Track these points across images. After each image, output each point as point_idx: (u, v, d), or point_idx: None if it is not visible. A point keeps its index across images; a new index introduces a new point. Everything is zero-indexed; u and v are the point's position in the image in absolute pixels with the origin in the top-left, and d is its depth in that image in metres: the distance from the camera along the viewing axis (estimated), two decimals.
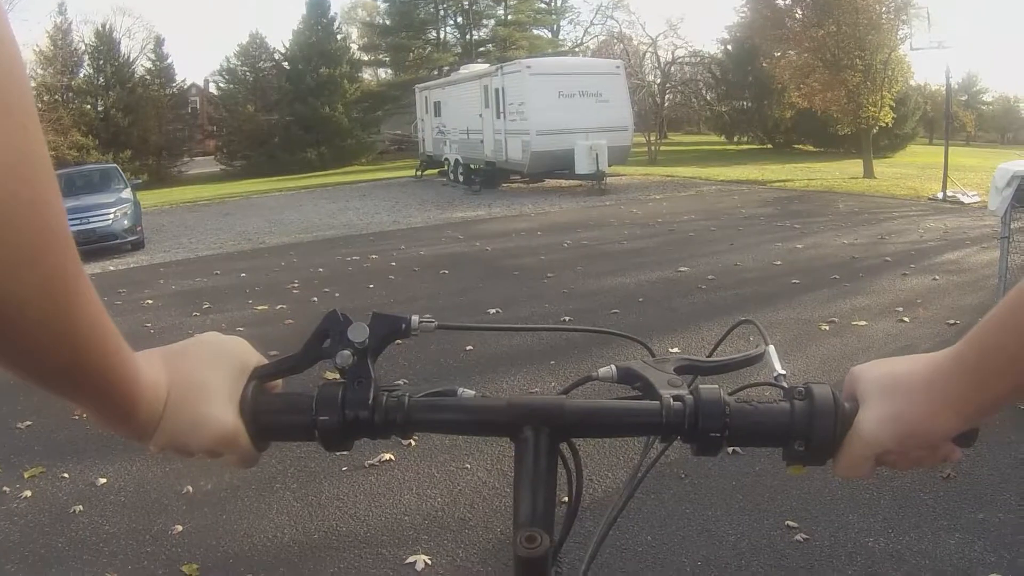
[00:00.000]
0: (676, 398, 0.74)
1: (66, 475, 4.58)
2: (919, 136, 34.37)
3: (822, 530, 3.51)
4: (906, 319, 6.69)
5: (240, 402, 0.74)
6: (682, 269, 9.33)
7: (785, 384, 0.80)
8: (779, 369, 0.84)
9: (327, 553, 3.58)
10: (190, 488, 4.27)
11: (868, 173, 20.11)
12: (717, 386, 0.75)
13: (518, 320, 7.32)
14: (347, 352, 0.76)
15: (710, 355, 0.93)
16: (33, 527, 3.99)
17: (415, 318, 0.79)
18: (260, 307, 8.48)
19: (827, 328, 6.53)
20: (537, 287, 8.88)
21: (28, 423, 5.40)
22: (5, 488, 4.44)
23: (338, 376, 0.77)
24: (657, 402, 0.75)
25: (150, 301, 9.20)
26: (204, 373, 0.72)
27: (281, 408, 0.77)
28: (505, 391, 5.32)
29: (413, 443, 4.60)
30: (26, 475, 4.59)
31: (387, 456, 4.45)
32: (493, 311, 7.65)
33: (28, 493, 4.37)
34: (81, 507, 4.16)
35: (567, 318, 7.23)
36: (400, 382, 5.60)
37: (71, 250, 0.47)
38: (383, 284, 9.54)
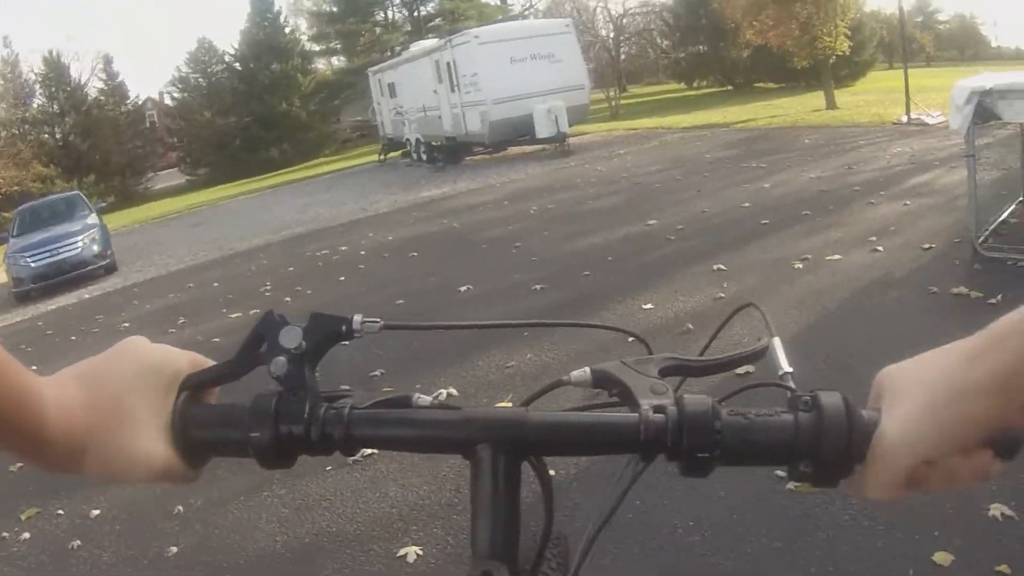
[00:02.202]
0: (657, 409, 0.64)
1: (61, 512, 4.62)
2: (878, 62, 34.25)
3: None
4: (880, 248, 6.71)
5: (171, 418, 0.67)
6: (650, 223, 9.36)
7: (792, 384, 0.70)
8: (785, 366, 0.73)
9: (320, 555, 3.65)
10: (180, 508, 4.32)
11: (830, 104, 20.03)
12: (706, 396, 0.65)
13: (490, 297, 7.37)
14: (282, 359, 0.69)
15: (704, 350, 0.83)
16: (36, 568, 4.05)
17: (357, 318, 0.71)
18: (234, 315, 8.49)
19: (800, 266, 6.57)
20: (506, 258, 8.92)
21: (20, 465, 5.41)
22: (4, 534, 4.48)
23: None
24: (635, 415, 0.65)
25: (126, 324, 9.21)
26: (127, 397, 0.65)
27: (214, 423, 0.69)
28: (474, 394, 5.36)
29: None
30: (23, 517, 4.63)
31: (369, 450, 4.50)
32: (464, 288, 7.69)
33: (27, 535, 4.41)
34: (79, 541, 4.20)
35: (538, 286, 7.28)
36: (377, 372, 5.66)
37: None
38: (353, 275, 9.58)
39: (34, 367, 0.59)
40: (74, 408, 0.62)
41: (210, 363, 0.72)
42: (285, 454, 0.68)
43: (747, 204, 9.46)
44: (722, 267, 6.78)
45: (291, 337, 0.69)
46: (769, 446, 0.63)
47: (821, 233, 7.54)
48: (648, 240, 8.51)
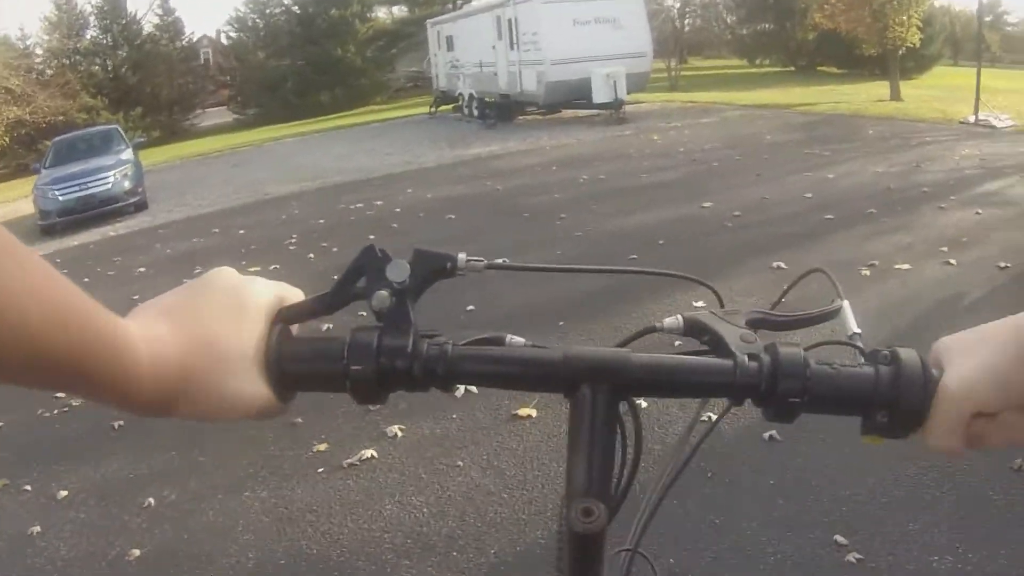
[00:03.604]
0: (752, 356, 0.65)
1: (28, 488, 4.16)
2: (944, 58, 33.51)
3: (877, 547, 2.92)
4: (952, 261, 5.97)
5: (265, 351, 0.65)
6: (706, 205, 8.67)
7: (861, 344, 0.73)
8: (854, 328, 0.76)
9: None
10: (152, 501, 3.81)
11: (895, 95, 19.14)
12: (798, 345, 0.67)
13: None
14: (384, 293, 0.67)
15: (774, 307, 0.83)
16: None
17: (462, 256, 0.71)
18: (252, 268, 7.95)
19: (868, 273, 5.85)
20: (549, 231, 8.29)
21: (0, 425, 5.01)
22: None
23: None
24: (730, 360, 0.66)
25: (142, 269, 8.75)
26: (220, 333, 0.61)
27: (309, 356, 0.67)
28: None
29: (400, 434, 4.09)
30: None
31: (369, 453, 3.94)
32: (499, 262, 7.03)
33: None
34: (39, 527, 3.72)
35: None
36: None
37: None
38: (384, 234, 9.01)
39: None
40: (166, 348, 0.58)
41: (297, 293, 0.71)
42: (385, 388, 0.67)
43: (809, 195, 8.71)
44: (782, 265, 6.08)
45: (398, 271, 0.68)
46: (851, 395, 0.65)
47: (888, 236, 6.81)
48: (703, 225, 7.82)
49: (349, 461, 3.89)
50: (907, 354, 0.64)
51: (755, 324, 0.73)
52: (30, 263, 0.45)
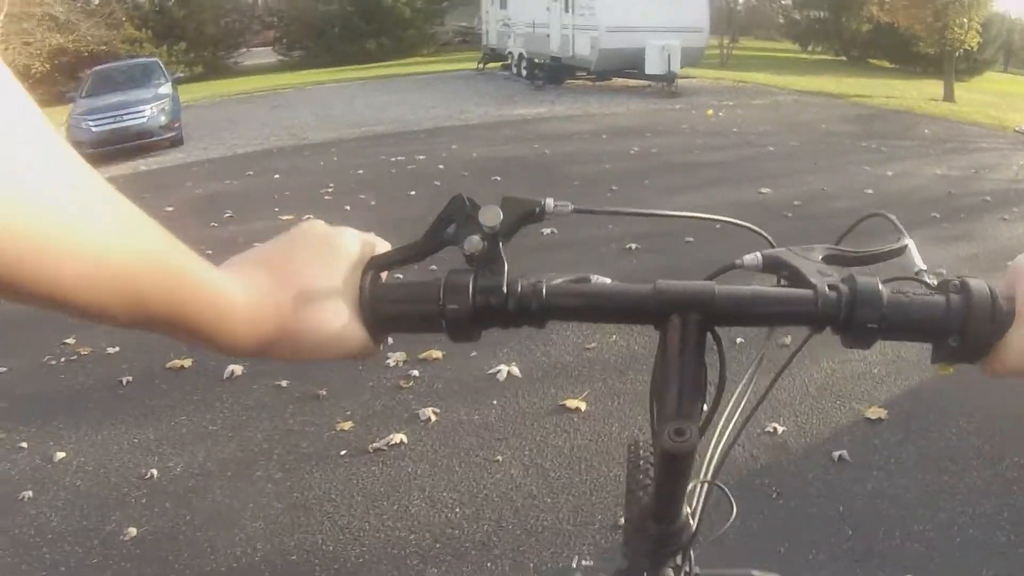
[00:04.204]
0: (831, 287, 0.68)
1: (24, 444, 3.80)
2: (996, 63, 33.12)
3: None
4: None
5: (359, 296, 0.67)
6: (763, 191, 8.15)
7: (928, 279, 0.77)
8: (920, 264, 0.81)
9: None
10: (155, 472, 3.44)
11: (948, 96, 18.64)
12: (874, 275, 0.68)
13: (576, 248, 6.30)
14: (476, 237, 0.69)
15: (838, 243, 0.83)
16: None
17: (550, 201, 0.74)
18: (285, 217, 7.60)
19: (935, 283, 5.33)
20: (600, 203, 7.78)
21: (2, 369, 4.67)
22: None
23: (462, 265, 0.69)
24: (811, 291, 0.68)
25: (170, 208, 8.34)
26: (317, 279, 0.63)
27: (403, 297, 0.69)
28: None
29: (433, 418, 3.69)
30: None
31: (398, 438, 3.53)
32: (547, 232, 6.61)
33: None
34: (31, 492, 3.37)
35: (633, 245, 6.20)
36: None
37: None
38: (426, 191, 8.54)
39: None
40: (261, 292, 0.60)
41: (385, 244, 0.72)
42: (479, 325, 0.68)
43: (870, 191, 8.19)
44: None
45: (491, 215, 0.70)
46: (925, 321, 0.67)
47: (953, 244, 6.31)
48: (761, 212, 7.30)
49: (375, 445, 3.48)
50: (975, 283, 0.67)
51: (829, 260, 0.76)
52: (126, 209, 0.46)
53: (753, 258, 0.76)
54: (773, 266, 0.75)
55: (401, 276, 0.72)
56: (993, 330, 0.65)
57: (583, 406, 3.73)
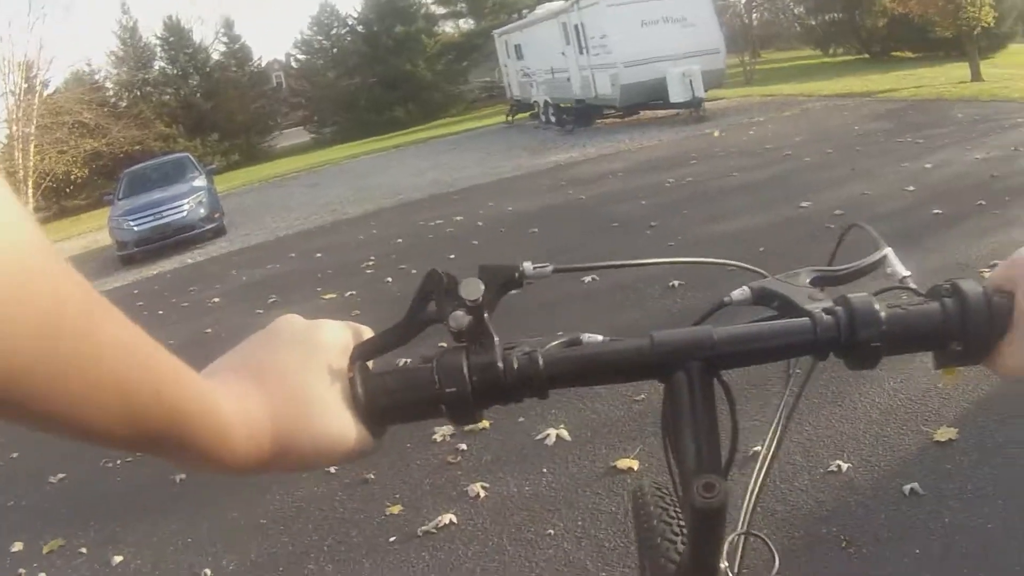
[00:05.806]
0: (826, 311, 0.68)
1: (84, 550, 3.85)
2: (1017, 35, 31.94)
3: None
4: None
5: (351, 392, 0.63)
6: (803, 205, 7.98)
7: (912, 285, 0.77)
8: (904, 271, 0.80)
9: None
10: (208, 572, 3.41)
11: (976, 76, 18.14)
12: (866, 293, 0.68)
13: (617, 292, 6.19)
14: (460, 312, 0.67)
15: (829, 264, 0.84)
16: None
17: (527, 264, 0.73)
18: (328, 295, 7.67)
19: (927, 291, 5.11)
20: (639, 241, 7.73)
21: (61, 475, 4.78)
22: (21, 570, 3.80)
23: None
24: (807, 318, 0.68)
25: (217, 299, 8.49)
26: (306, 381, 0.60)
27: (399, 387, 0.66)
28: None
29: (482, 494, 3.58)
30: (45, 549, 3.94)
31: (447, 518, 3.43)
32: (588, 280, 6.52)
33: None
34: None
35: (675, 282, 6.06)
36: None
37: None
38: (465, 252, 8.56)
39: None
40: (253, 404, 0.56)
41: (366, 330, 0.70)
42: (480, 405, 0.67)
43: (911, 187, 7.94)
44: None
45: (471, 288, 0.67)
46: (925, 331, 0.66)
47: (1003, 231, 6.05)
48: (804, 227, 7.13)
49: (424, 528, 3.39)
50: (966, 283, 0.67)
51: (816, 283, 0.76)
52: (122, 326, 0.44)
53: (741, 292, 0.76)
54: (762, 298, 0.75)
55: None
56: (992, 329, 0.65)
57: (635, 465, 3.59)
